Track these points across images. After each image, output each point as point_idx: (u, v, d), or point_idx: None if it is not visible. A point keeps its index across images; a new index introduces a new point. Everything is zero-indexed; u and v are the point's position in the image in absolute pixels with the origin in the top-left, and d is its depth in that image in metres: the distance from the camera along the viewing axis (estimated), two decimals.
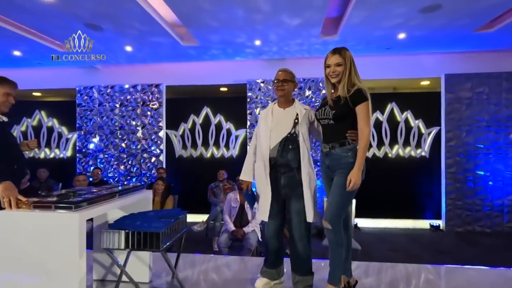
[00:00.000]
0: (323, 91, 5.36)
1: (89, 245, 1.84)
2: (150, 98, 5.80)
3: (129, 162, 5.81)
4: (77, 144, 5.94)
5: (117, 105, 5.84)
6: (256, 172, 2.08)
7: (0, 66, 5.82)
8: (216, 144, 5.81)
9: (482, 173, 5.09)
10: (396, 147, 5.41)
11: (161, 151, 5.78)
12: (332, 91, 1.86)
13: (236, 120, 5.75)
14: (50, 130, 6.17)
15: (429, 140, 5.35)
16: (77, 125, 5.92)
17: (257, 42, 4.52)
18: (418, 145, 5.37)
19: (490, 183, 5.07)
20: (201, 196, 5.20)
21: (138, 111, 5.80)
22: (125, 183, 5.77)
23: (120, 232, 1.69)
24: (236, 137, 5.78)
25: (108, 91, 5.87)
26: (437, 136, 5.32)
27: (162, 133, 5.78)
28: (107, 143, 5.85)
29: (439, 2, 3.33)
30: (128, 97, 5.83)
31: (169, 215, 1.96)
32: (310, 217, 1.92)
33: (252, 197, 2.17)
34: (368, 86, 6.36)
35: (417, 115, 5.37)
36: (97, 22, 3.78)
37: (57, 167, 5.92)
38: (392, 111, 5.42)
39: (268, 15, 3.62)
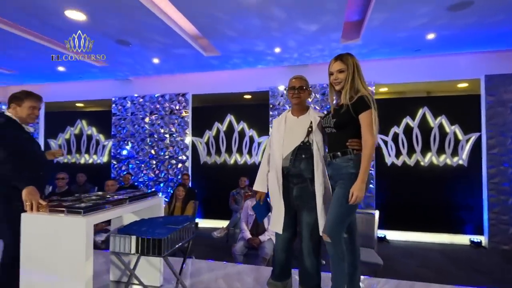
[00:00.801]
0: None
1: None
2: (177, 106, 6.06)
3: (158, 168, 6.10)
4: (112, 150, 6.38)
5: (148, 114, 6.19)
6: (269, 182, 2.04)
7: (47, 81, 6.50)
8: (239, 151, 5.88)
9: None
10: (429, 154, 5.03)
11: (187, 157, 5.98)
12: (335, 98, 1.82)
13: (259, 127, 5.78)
14: (89, 137, 6.72)
15: (467, 147, 4.90)
16: (112, 133, 6.38)
17: (277, 50, 4.52)
18: (455, 152, 4.94)
19: None
20: (224, 202, 5.28)
21: (166, 119, 6.09)
22: (153, 189, 6.06)
23: (128, 237, 1.78)
24: (259, 144, 5.80)
25: (139, 101, 6.25)
26: (477, 143, 4.85)
27: (188, 140, 6.00)
28: (138, 150, 6.21)
29: None
30: (157, 106, 6.16)
31: (176, 222, 2.02)
32: (321, 231, 1.85)
33: (264, 209, 2.13)
34: (399, 91, 6.07)
35: (453, 120, 4.96)
36: (125, 38, 4.06)
37: (95, 172, 6.40)
38: (424, 116, 5.06)
39: (284, 22, 3.62)
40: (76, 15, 3.36)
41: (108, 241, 1.87)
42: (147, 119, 6.19)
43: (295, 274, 2.17)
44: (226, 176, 5.75)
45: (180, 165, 5.99)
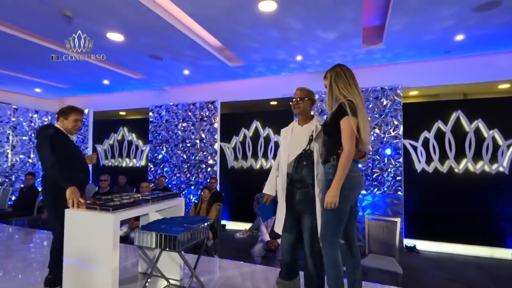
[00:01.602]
0: (372, 103, 5.09)
1: None
2: (207, 114, 6.43)
3: (189, 172, 6.50)
4: (149, 155, 6.94)
5: (180, 121, 6.65)
6: (277, 187, 2.20)
7: (95, 92, 7.30)
8: (265, 156, 6.05)
9: None
10: (464, 161, 4.73)
11: (215, 162, 6.30)
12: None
13: None
14: (130, 143, 7.38)
15: (508, 153, 4.52)
16: (149, 139, 6.94)
17: (299, 58, 4.64)
18: (494, 159, 4.59)
19: None
20: (250, 206, 5.47)
21: (197, 125, 6.49)
22: (185, 191, 6.47)
23: (149, 233, 2.03)
24: None
25: (173, 109, 6.74)
26: None
27: (216, 146, 6.32)
28: (172, 155, 6.68)
29: None
30: (189, 113, 6.58)
31: (192, 221, 2.24)
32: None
33: (270, 211, 2.30)
34: (431, 93, 5.86)
35: (491, 125, 4.62)
36: (158, 54, 4.48)
37: (134, 174, 7.01)
38: (458, 120, 4.79)
39: (302, 32, 3.73)
40: (115, 36, 3.82)
41: None
42: (180, 126, 6.65)
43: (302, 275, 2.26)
44: (252, 180, 5.94)
45: (209, 169, 6.33)
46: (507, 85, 4.92)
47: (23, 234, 4.21)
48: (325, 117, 4.74)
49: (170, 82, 6.29)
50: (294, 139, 2.10)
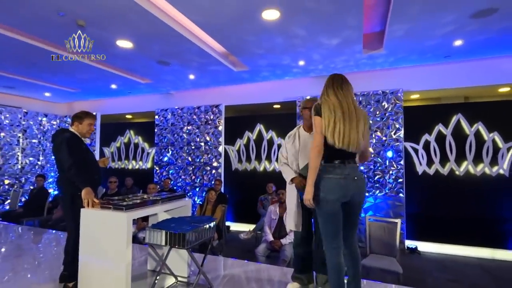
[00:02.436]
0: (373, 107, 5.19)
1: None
2: (211, 117, 6.56)
3: (194, 174, 6.63)
4: (155, 157, 7.09)
5: (186, 124, 6.79)
6: (288, 188, 2.34)
7: (103, 96, 7.47)
8: (268, 158, 6.16)
9: None
10: (464, 163, 4.80)
11: (220, 164, 6.42)
12: None
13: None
14: (136, 146, 7.54)
15: (508, 156, 4.59)
16: (155, 142, 7.09)
17: (301, 63, 4.75)
18: (494, 161, 4.65)
19: None
20: (254, 207, 5.58)
21: (202, 128, 6.62)
22: (190, 193, 6.59)
23: (159, 231, 2.15)
24: None
25: (178, 112, 6.89)
26: None
27: (221, 148, 6.45)
28: (177, 157, 6.82)
29: (496, 6, 3.02)
30: (194, 117, 6.73)
31: (200, 221, 2.36)
32: None
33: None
34: (433, 97, 5.99)
35: (491, 127, 4.69)
36: (166, 59, 4.63)
37: (140, 176, 7.16)
38: (458, 123, 4.86)
39: (306, 39, 3.85)
40: (125, 43, 3.98)
41: None
42: (185, 129, 6.79)
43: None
44: (256, 182, 6.05)
45: (213, 171, 6.45)
46: (507, 89, 4.99)
47: (34, 234, 4.36)
48: None
49: (176, 86, 6.44)
50: (303, 145, 2.27)
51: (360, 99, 5.24)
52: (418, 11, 3.16)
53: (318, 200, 1.76)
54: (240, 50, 4.31)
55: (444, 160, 4.91)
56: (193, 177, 6.63)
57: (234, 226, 6.30)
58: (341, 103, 1.80)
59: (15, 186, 7.03)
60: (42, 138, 7.69)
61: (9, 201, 6.67)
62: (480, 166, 4.72)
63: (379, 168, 5.13)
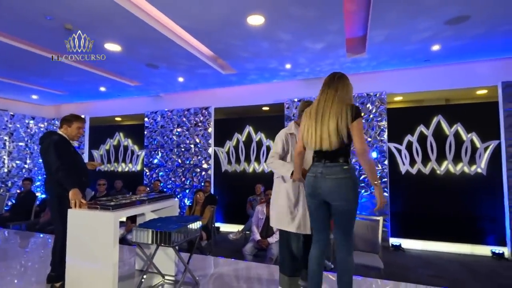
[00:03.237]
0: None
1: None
2: (201, 119, 6.63)
3: (184, 176, 6.67)
4: (145, 160, 7.10)
5: (175, 126, 6.84)
6: (276, 183, 2.35)
7: (91, 99, 7.45)
8: (257, 159, 6.25)
9: None
10: (445, 163, 5.00)
11: (210, 166, 6.48)
12: None
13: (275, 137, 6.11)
14: (126, 148, 7.53)
15: (486, 155, 4.80)
16: (145, 144, 7.11)
17: (288, 66, 4.88)
18: (472, 161, 4.86)
19: None
20: (242, 208, 5.65)
21: (191, 131, 6.68)
22: (180, 194, 6.63)
23: (146, 230, 2.21)
24: None
25: (168, 115, 6.93)
26: (497, 151, 4.74)
27: (210, 150, 6.51)
28: (167, 159, 6.85)
29: (467, 14, 3.20)
30: (184, 119, 6.78)
31: (186, 220, 2.43)
32: None
33: None
34: (417, 99, 6.20)
35: (469, 128, 4.90)
36: (154, 62, 4.68)
37: (130, 178, 7.15)
38: (439, 124, 5.06)
39: (291, 43, 3.97)
40: (113, 47, 4.02)
41: None
42: (175, 131, 6.83)
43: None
44: (245, 183, 6.13)
45: (203, 173, 6.51)
46: (484, 91, 5.22)
47: (20, 237, 4.33)
48: None
49: (166, 89, 6.48)
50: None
51: None
52: (395, 18, 3.32)
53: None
54: (228, 54, 4.41)
55: (425, 159, 5.10)
56: (183, 179, 6.67)
57: (224, 227, 6.36)
58: (318, 104, 1.84)
59: (1, 190, 6.93)
60: (29, 141, 7.60)
61: None
62: (460, 166, 4.92)
63: None
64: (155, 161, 6.97)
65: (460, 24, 3.40)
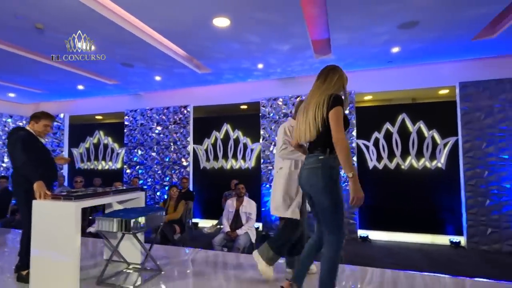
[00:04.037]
0: None
1: None
2: (180, 117, 6.76)
3: (163, 173, 6.79)
4: (125, 157, 7.17)
5: (155, 125, 6.94)
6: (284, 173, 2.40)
7: (70, 97, 7.46)
8: (235, 157, 6.44)
9: (508, 186, 4.68)
10: (408, 158, 5.31)
11: (188, 163, 6.63)
12: None
13: (252, 135, 6.33)
14: (106, 146, 7.58)
15: (445, 151, 5.14)
16: (125, 142, 7.18)
17: (260, 66, 5.08)
18: (433, 156, 5.19)
19: None
20: (220, 203, 5.82)
21: (171, 129, 6.80)
22: (159, 191, 6.73)
23: (108, 219, 2.36)
24: (252, 150, 6.33)
25: (147, 113, 7.03)
26: (455, 147, 5.08)
27: (189, 148, 6.65)
28: (146, 157, 6.95)
29: (416, 19, 3.47)
30: (163, 117, 6.89)
31: (149, 210, 2.59)
32: None
33: None
34: (386, 98, 6.53)
35: (431, 126, 5.23)
36: (130, 62, 4.80)
37: (110, 176, 7.20)
38: (403, 122, 5.37)
39: (260, 45, 4.17)
40: (86, 45, 4.12)
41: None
42: (154, 129, 6.94)
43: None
44: (223, 180, 6.30)
45: (182, 170, 6.64)
46: (446, 91, 5.56)
47: None
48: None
49: (144, 88, 6.58)
50: None
51: None
52: (353, 23, 3.56)
53: None
54: (201, 55, 4.57)
55: (391, 155, 5.40)
56: (162, 176, 6.78)
57: (203, 223, 6.51)
58: (306, 98, 1.88)
59: None
60: (6, 140, 7.54)
61: None
62: (422, 161, 5.24)
63: None
64: (135, 159, 7.05)
65: (412, 28, 3.68)
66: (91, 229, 4.29)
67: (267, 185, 5.98)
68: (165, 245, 3.85)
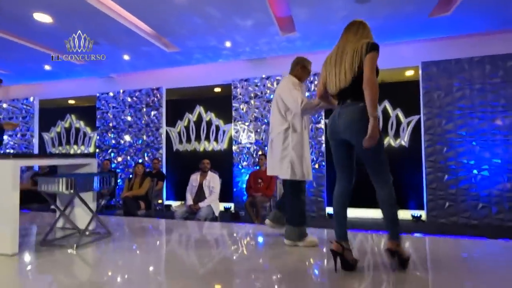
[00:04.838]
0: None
1: None
2: (152, 100, 6.70)
3: (136, 156, 6.74)
4: (97, 141, 7.07)
5: (127, 107, 6.86)
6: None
7: (39, 80, 7.26)
8: (207, 139, 6.45)
9: (465, 161, 4.89)
10: None
11: (161, 146, 6.60)
12: None
13: (224, 117, 6.35)
14: (78, 130, 7.44)
15: (408, 129, 5.30)
16: (97, 126, 7.07)
17: (228, 44, 5.07)
18: (397, 134, 5.35)
19: (475, 171, 4.84)
20: None
21: (143, 111, 6.73)
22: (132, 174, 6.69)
23: (53, 179, 2.35)
24: (224, 132, 6.36)
25: (120, 96, 6.93)
26: (417, 125, 5.25)
27: (162, 130, 6.62)
28: (119, 140, 6.87)
29: None
30: (136, 99, 6.81)
31: (94, 174, 2.59)
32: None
33: None
34: None
35: (395, 105, 5.38)
36: (93, 38, 4.70)
37: None
38: None
39: (222, 19, 4.17)
40: (43, 17, 4.01)
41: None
42: (126, 112, 6.85)
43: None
44: (196, 162, 6.21)
45: (155, 152, 6.61)
46: (412, 72, 5.71)
47: None
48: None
49: (115, 69, 6.47)
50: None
51: None
52: None
53: None
54: (165, 30, 4.53)
55: None
56: (136, 158, 6.74)
57: (176, 205, 6.52)
58: (338, 48, 1.88)
59: None
60: None
61: None
62: (387, 139, 5.39)
63: None
64: (108, 142, 6.97)
65: (367, 3, 3.75)
66: None
67: (240, 166, 6.03)
68: (127, 215, 3.87)
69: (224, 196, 6.08)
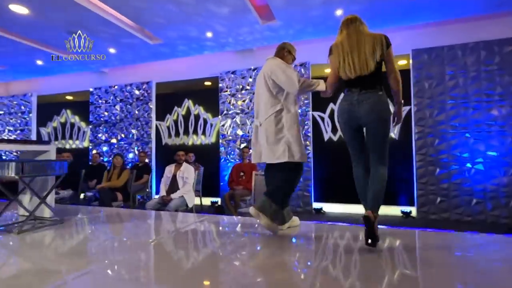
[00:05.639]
0: None
1: None
2: (142, 94, 6.70)
3: (126, 149, 6.77)
4: (90, 136, 7.16)
5: (118, 101, 6.90)
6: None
7: (36, 75, 7.42)
8: (195, 132, 6.40)
9: (458, 154, 4.60)
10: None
11: (151, 140, 6.60)
12: None
13: (212, 110, 6.27)
14: (73, 125, 7.56)
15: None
16: (90, 120, 7.16)
17: (209, 34, 4.98)
18: None
19: (468, 165, 4.55)
20: None
21: (134, 105, 6.75)
22: None
23: (2, 164, 2.33)
24: (211, 125, 6.28)
25: (111, 90, 6.98)
26: (407, 117, 4.99)
27: (152, 124, 6.61)
28: (111, 134, 6.93)
29: None
30: (126, 94, 6.84)
31: (44, 161, 2.56)
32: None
33: None
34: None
35: (387, 96, 5.12)
36: (72, 29, 4.72)
37: (78, 154, 7.20)
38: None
39: (197, 6, 4.07)
40: (19, 8, 4.04)
41: None
42: (117, 106, 6.90)
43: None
44: None
45: (145, 146, 6.62)
46: (404, 61, 5.43)
47: None
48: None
49: (105, 63, 6.51)
50: None
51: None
52: None
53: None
54: (141, 19, 4.48)
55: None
56: (126, 153, 6.77)
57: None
58: (349, 36, 1.93)
59: None
60: None
61: None
62: None
63: None
64: (100, 136, 7.04)
65: None
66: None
67: (226, 160, 5.94)
68: (109, 206, 3.87)
69: (211, 190, 6.02)
